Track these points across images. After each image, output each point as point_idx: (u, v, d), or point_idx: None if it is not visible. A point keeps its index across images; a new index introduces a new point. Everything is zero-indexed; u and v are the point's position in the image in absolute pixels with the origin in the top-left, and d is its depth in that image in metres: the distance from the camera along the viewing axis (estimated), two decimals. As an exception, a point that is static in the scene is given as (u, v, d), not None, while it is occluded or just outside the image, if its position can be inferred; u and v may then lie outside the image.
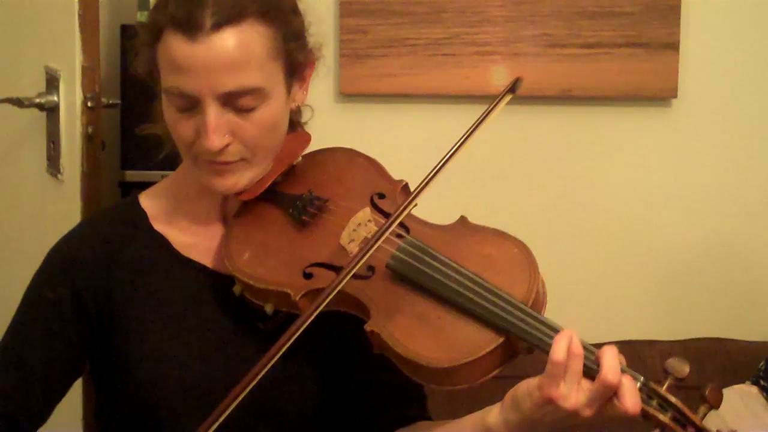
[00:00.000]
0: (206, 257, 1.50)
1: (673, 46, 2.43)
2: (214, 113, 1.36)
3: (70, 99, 2.17)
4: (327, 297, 1.28)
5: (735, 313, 2.51)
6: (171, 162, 2.33)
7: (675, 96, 2.45)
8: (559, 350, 1.22)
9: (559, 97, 2.47)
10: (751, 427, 1.98)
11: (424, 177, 1.34)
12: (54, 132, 2.23)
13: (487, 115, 1.39)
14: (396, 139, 2.50)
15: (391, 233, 1.36)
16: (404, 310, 1.31)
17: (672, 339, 2.42)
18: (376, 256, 1.34)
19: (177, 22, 1.35)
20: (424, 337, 1.28)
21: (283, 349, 1.26)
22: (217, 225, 1.52)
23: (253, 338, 1.44)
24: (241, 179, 1.44)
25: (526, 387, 1.26)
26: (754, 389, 2.08)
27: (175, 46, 1.35)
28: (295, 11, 1.46)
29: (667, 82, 2.44)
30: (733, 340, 2.41)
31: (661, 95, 2.46)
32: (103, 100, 2.25)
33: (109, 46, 2.45)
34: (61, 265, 1.50)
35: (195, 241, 1.51)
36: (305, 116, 1.58)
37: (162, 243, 1.50)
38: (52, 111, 2.23)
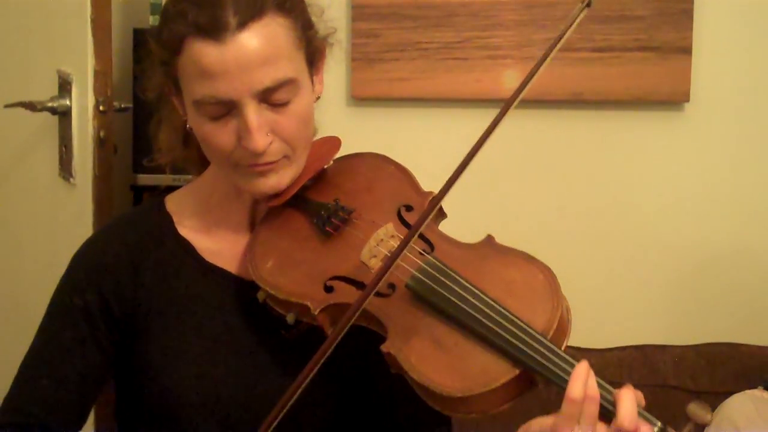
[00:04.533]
0: (231, 263, 1.49)
1: (686, 50, 2.42)
2: (254, 112, 1.35)
3: (83, 103, 2.17)
4: (351, 317, 1.26)
5: (748, 317, 2.50)
6: (183, 166, 2.34)
7: (687, 100, 2.45)
8: (576, 388, 1.19)
9: (570, 101, 2.47)
10: (764, 433, 1.97)
11: (450, 175, 1.29)
12: (66, 136, 2.24)
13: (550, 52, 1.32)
14: (408, 143, 2.49)
15: (413, 251, 1.34)
16: (421, 333, 1.28)
17: (684, 344, 2.42)
18: (396, 274, 1.32)
19: (201, 28, 1.32)
20: (439, 363, 1.25)
21: (312, 373, 1.24)
22: (244, 231, 1.51)
23: (275, 347, 1.43)
24: (283, 178, 1.42)
25: (539, 426, 1.24)
26: (767, 394, 2.07)
27: (203, 52, 1.33)
28: None
29: (680, 86, 2.44)
30: (745, 344, 2.41)
31: (674, 99, 2.46)
32: (116, 103, 2.25)
33: (122, 50, 2.45)
34: (87, 271, 1.49)
35: (220, 247, 1.50)
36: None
37: (187, 249, 1.49)
38: (64, 115, 2.23)
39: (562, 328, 1.27)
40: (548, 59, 1.33)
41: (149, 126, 1.54)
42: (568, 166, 2.50)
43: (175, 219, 1.52)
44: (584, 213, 2.51)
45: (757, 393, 2.08)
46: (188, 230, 1.51)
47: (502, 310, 1.26)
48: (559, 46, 1.34)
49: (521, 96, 1.32)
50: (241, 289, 1.46)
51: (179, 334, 1.45)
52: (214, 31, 1.32)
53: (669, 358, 2.38)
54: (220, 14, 1.32)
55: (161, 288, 1.47)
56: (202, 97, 1.36)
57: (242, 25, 1.32)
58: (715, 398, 2.13)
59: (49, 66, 2.28)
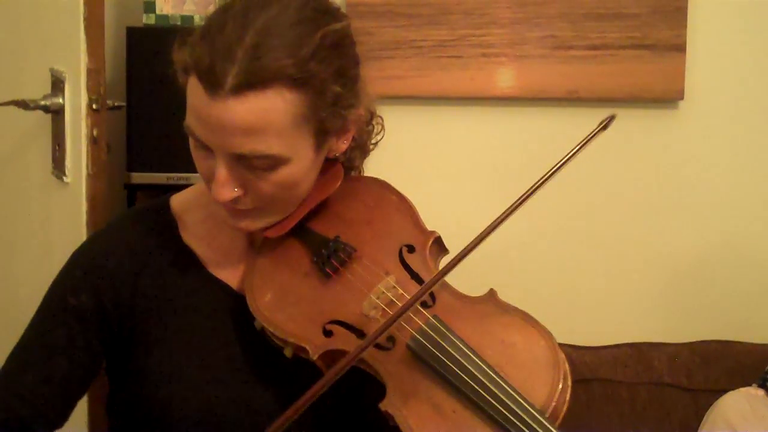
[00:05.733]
0: (232, 277, 1.46)
1: (680, 48, 2.42)
2: (224, 168, 1.31)
3: (76, 101, 2.16)
4: (345, 366, 1.21)
5: (742, 315, 2.50)
6: (177, 164, 2.33)
7: (681, 98, 2.45)
8: None
9: (565, 98, 2.46)
10: (757, 430, 1.97)
11: (459, 251, 1.26)
12: (59, 134, 2.23)
13: (571, 155, 1.33)
14: (402, 140, 2.49)
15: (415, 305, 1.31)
16: (420, 395, 1.27)
17: (679, 341, 2.42)
18: (397, 331, 1.31)
19: (199, 71, 1.27)
20: (437, 430, 1.25)
21: (296, 415, 1.19)
22: (243, 246, 1.48)
23: (272, 366, 1.40)
24: (254, 223, 1.39)
25: None
26: (761, 392, 2.07)
27: (196, 92, 1.28)
28: (341, 74, 1.34)
29: (674, 83, 2.44)
30: (739, 342, 2.41)
31: (668, 97, 2.46)
32: (109, 102, 2.24)
33: (115, 49, 2.44)
34: (86, 271, 1.45)
35: (222, 259, 1.47)
36: (375, 136, 1.55)
37: (190, 258, 1.46)
38: (57, 113, 2.22)
39: (563, 398, 1.27)
40: (555, 173, 1.36)
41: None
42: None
43: (179, 224, 1.48)
44: (578, 210, 2.51)
45: (752, 390, 2.08)
46: (191, 237, 1.48)
47: (502, 383, 1.25)
48: (567, 161, 1.36)
49: (519, 205, 1.31)
50: (241, 306, 1.42)
51: (177, 345, 1.43)
52: (208, 82, 1.26)
53: (664, 355, 2.38)
54: (220, 69, 1.25)
55: (161, 297, 1.44)
56: (187, 126, 1.33)
57: (236, 89, 1.25)
58: (709, 396, 2.13)
59: (42, 64, 2.27)
